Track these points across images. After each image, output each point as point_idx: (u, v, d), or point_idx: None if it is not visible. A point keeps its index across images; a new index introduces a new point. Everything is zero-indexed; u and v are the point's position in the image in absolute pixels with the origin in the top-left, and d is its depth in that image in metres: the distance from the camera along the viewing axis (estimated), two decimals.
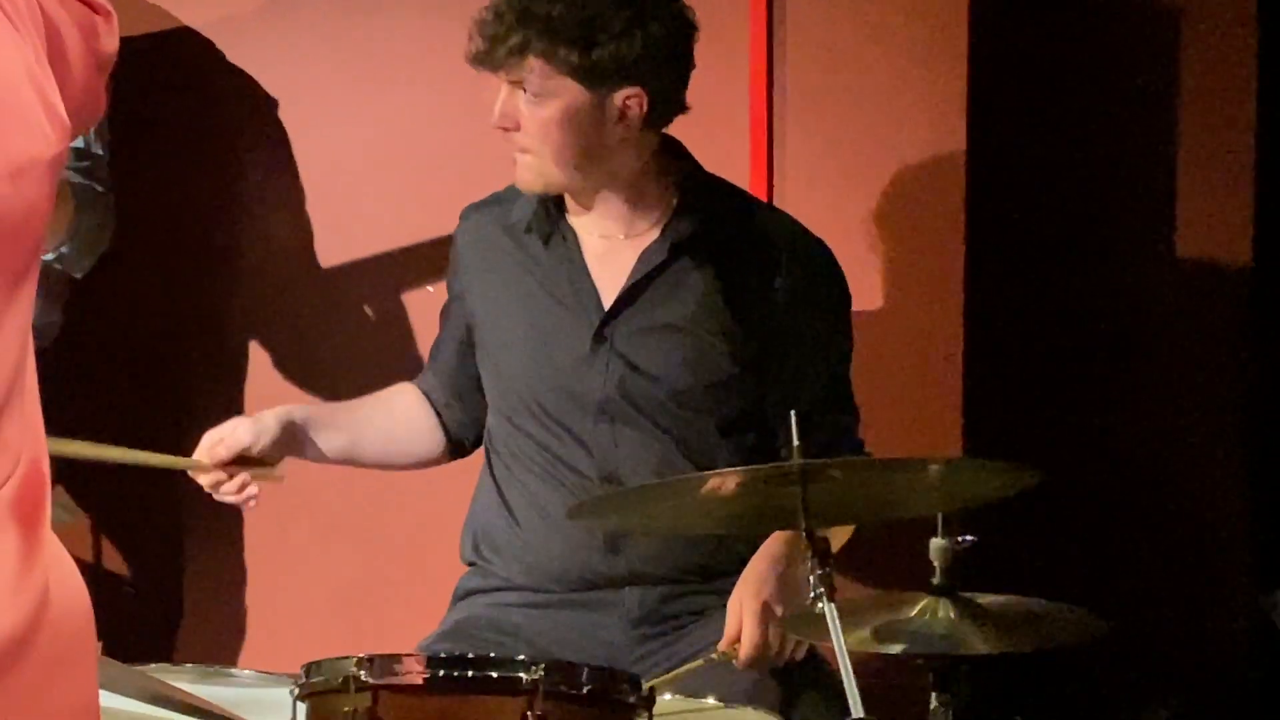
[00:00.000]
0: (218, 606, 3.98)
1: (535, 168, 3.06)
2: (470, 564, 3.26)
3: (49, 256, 3.37)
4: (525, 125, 3.04)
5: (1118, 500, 3.89)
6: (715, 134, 3.51)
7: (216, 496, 3.16)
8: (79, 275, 3.50)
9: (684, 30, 3.08)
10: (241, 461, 3.13)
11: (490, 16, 3.01)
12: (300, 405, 3.21)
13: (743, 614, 2.97)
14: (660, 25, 3.03)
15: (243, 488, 3.13)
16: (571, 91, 3.01)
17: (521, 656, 2.63)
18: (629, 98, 3.02)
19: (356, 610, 3.93)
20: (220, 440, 3.12)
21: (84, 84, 2.03)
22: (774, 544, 3.05)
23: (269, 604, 3.97)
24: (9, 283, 1.87)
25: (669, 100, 3.09)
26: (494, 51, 3.00)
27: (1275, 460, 3.90)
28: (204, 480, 3.15)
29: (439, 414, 3.32)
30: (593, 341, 3.13)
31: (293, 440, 3.18)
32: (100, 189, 3.47)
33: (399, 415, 3.32)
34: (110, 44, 2.08)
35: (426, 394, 3.33)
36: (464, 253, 3.27)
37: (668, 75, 3.07)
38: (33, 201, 1.88)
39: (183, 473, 3.96)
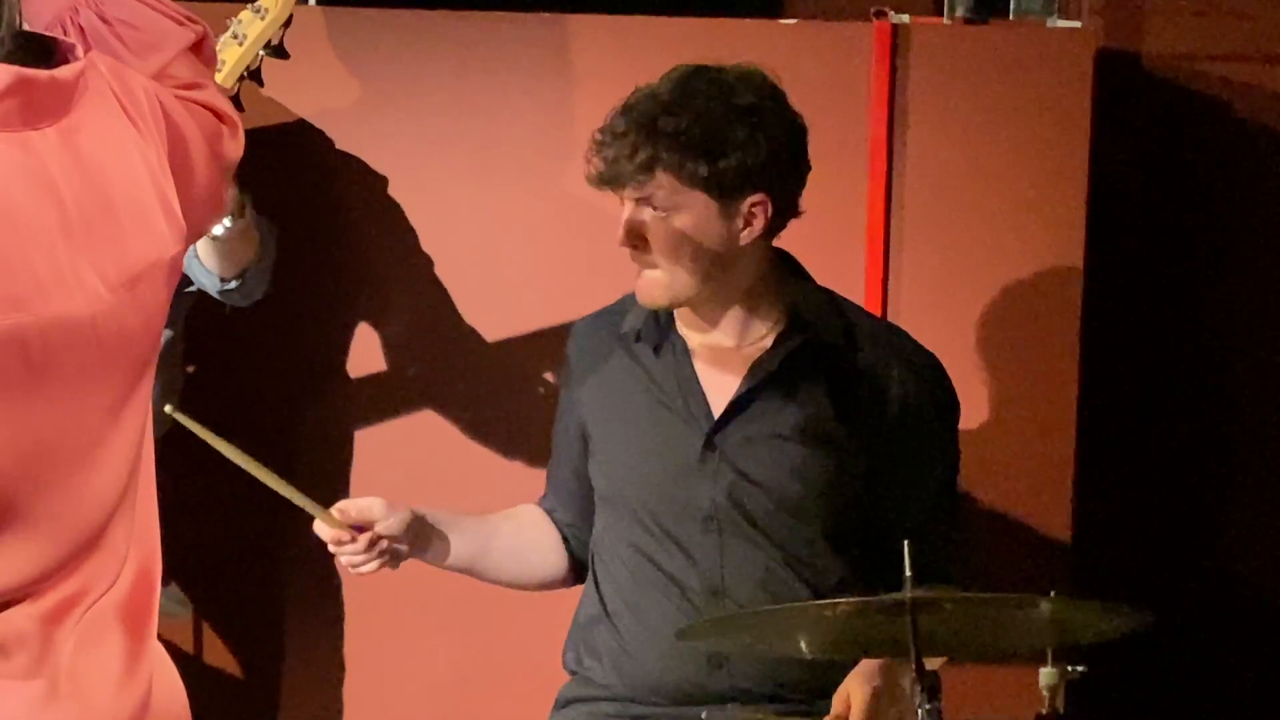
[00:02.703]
0: (316, 701, 3.97)
1: (664, 282, 3.04)
2: (572, 673, 3.23)
3: (230, 286, 3.38)
4: (654, 241, 3.01)
5: (1230, 631, 3.83)
6: (831, 246, 3.50)
7: (342, 560, 3.09)
8: (246, 304, 3.49)
9: (800, 133, 3.07)
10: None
11: (609, 137, 3.00)
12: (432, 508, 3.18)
13: (850, 693, 2.91)
14: (780, 130, 3.02)
15: (373, 545, 3.06)
16: (700, 203, 2.99)
17: None
18: (754, 204, 3.01)
19: (455, 712, 3.91)
20: (352, 504, 3.09)
21: (206, 186, 2.05)
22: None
23: (368, 700, 3.96)
24: (127, 388, 1.88)
25: (790, 203, 3.07)
26: (620, 169, 2.98)
27: None
28: (325, 535, 3.07)
29: (563, 534, 3.31)
30: (702, 450, 3.10)
31: (421, 531, 3.14)
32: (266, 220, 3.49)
33: (526, 533, 3.30)
34: (234, 150, 2.10)
35: (549, 513, 3.32)
36: (576, 364, 3.26)
37: (789, 179, 3.05)
38: (149, 307, 1.89)
39: (288, 567, 3.96)
